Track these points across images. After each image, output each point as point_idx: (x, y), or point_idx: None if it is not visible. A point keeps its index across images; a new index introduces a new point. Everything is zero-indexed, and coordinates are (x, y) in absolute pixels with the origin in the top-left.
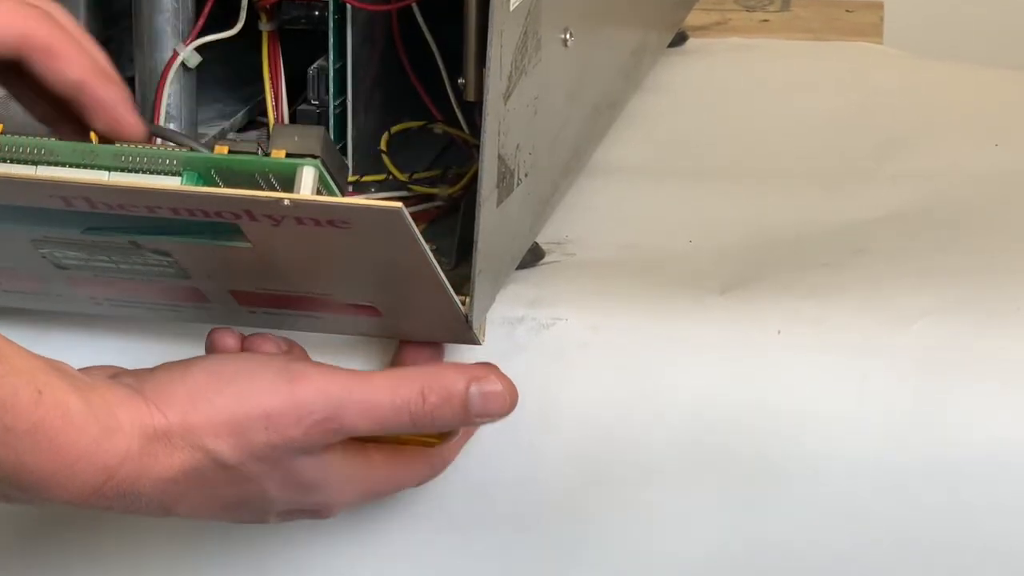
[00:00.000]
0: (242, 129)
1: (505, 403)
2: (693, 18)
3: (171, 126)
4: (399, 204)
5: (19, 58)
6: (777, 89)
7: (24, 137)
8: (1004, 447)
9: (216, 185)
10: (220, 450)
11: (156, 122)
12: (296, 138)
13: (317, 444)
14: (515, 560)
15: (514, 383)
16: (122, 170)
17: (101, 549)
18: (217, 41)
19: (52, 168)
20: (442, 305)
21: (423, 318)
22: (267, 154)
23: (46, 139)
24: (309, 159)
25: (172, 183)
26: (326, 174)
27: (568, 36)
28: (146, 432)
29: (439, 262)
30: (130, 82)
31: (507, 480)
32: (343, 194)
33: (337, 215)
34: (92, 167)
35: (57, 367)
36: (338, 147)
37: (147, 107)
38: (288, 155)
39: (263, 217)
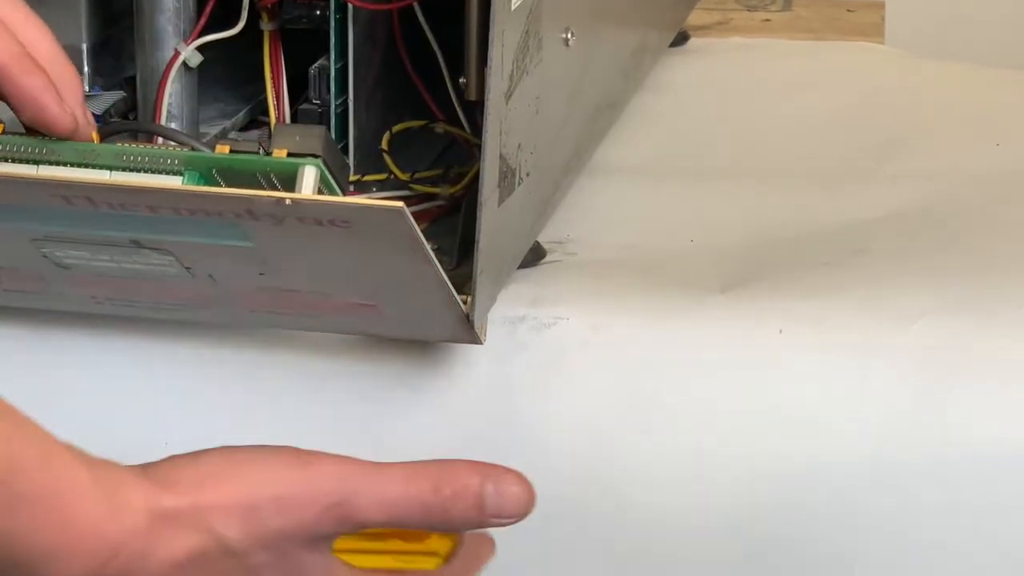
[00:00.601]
0: (243, 128)
1: (521, 504)
2: (694, 18)
3: (172, 125)
4: (400, 204)
5: None
6: (778, 89)
7: (25, 136)
8: (1004, 447)
9: (217, 184)
10: (229, 533)
11: (157, 121)
12: (297, 137)
13: (328, 532)
14: (513, 559)
15: (532, 487)
16: (124, 169)
17: None
18: (218, 40)
19: (53, 168)
20: (443, 304)
21: (424, 317)
22: (268, 153)
23: (47, 139)
24: (310, 159)
25: (174, 182)
26: (327, 174)
27: (569, 36)
28: (154, 511)
29: (440, 261)
30: (131, 81)
31: None
32: (344, 193)
33: (338, 214)
34: (94, 166)
35: (64, 442)
36: (339, 146)
37: (148, 106)
38: (289, 154)
39: (265, 217)
